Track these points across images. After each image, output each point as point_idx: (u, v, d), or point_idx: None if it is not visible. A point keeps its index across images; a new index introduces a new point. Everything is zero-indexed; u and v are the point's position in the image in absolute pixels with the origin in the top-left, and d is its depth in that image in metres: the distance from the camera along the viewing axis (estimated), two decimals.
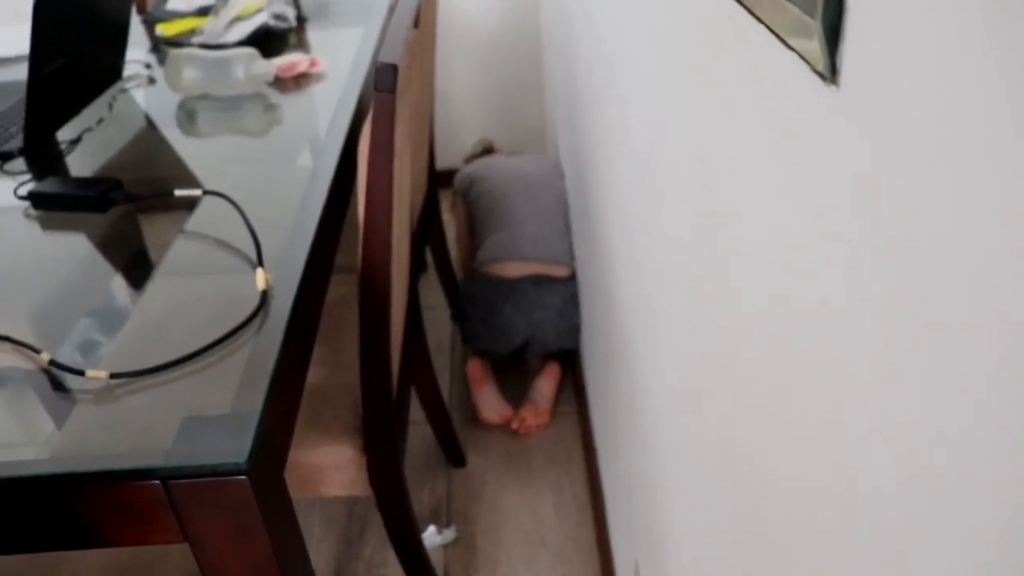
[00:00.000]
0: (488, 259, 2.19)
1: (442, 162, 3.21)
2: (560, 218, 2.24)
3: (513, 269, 2.16)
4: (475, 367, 2.21)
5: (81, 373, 0.88)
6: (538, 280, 2.12)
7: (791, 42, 0.46)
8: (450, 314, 2.44)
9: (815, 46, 0.42)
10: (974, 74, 0.30)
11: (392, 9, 2.08)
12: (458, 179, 2.44)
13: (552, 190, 2.27)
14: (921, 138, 0.34)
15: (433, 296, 2.58)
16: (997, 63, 0.29)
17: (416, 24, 1.42)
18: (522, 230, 2.19)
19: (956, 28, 0.31)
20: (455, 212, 2.45)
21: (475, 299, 2.17)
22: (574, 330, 2.16)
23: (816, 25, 0.41)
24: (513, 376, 2.27)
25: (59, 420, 0.85)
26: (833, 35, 0.40)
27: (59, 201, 1.21)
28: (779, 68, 0.49)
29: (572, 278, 2.18)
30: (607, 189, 1.44)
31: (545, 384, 2.19)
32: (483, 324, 2.15)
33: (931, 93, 0.33)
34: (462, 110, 3.17)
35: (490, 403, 2.15)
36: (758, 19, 0.51)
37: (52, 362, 0.90)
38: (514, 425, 2.12)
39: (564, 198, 2.27)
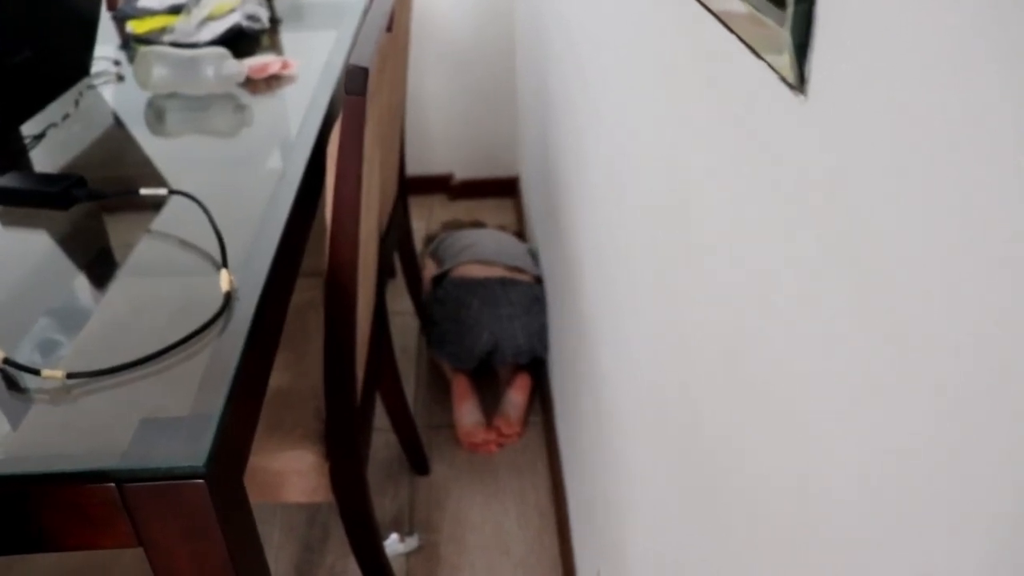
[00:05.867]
0: (452, 265, 2.28)
1: (412, 169, 3.21)
2: (522, 251, 2.39)
3: (478, 270, 2.23)
4: (461, 382, 2.20)
5: (37, 372, 0.86)
6: (504, 281, 2.19)
7: (760, 52, 0.46)
8: (419, 326, 2.45)
9: (784, 56, 0.42)
10: (941, 84, 0.30)
11: (366, 13, 2.07)
12: (428, 243, 2.65)
13: (517, 245, 2.44)
14: (887, 147, 0.34)
15: (400, 303, 2.57)
16: (964, 74, 0.29)
17: (389, 28, 1.41)
18: (485, 246, 2.35)
19: (925, 39, 0.31)
20: (424, 270, 2.48)
21: (443, 302, 2.20)
22: (542, 331, 2.18)
23: (785, 35, 0.41)
24: (490, 399, 2.26)
25: (14, 420, 0.83)
26: (802, 45, 0.40)
27: (20, 196, 1.19)
28: (748, 78, 0.49)
29: (537, 283, 2.24)
30: (577, 197, 1.45)
31: (516, 395, 2.19)
32: (451, 322, 2.17)
33: (898, 103, 0.33)
34: (434, 117, 3.16)
35: (470, 419, 2.14)
36: (729, 29, 0.51)
37: (7, 360, 0.88)
38: (492, 449, 2.11)
39: (528, 255, 2.41)
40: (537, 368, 2.28)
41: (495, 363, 2.22)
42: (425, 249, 2.59)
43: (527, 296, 2.18)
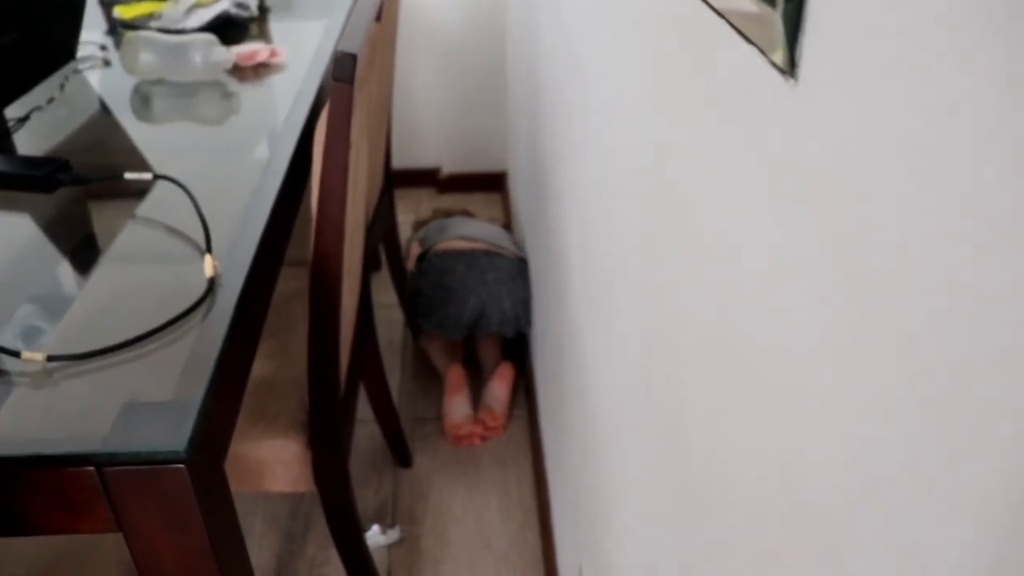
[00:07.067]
0: (435, 241, 2.31)
1: (400, 162, 3.20)
2: (506, 236, 2.41)
3: (462, 244, 2.27)
4: (456, 373, 2.20)
5: (17, 355, 0.85)
6: (488, 252, 2.23)
7: (751, 37, 0.46)
8: (404, 319, 2.45)
9: (775, 41, 0.42)
10: (933, 70, 0.30)
11: (355, 3, 2.06)
12: (416, 228, 2.65)
13: (502, 231, 2.46)
14: (879, 132, 0.34)
15: (385, 295, 2.56)
16: (954, 59, 0.29)
17: (379, 18, 1.41)
18: (469, 227, 2.38)
19: (916, 23, 0.31)
20: (409, 256, 2.48)
21: (427, 273, 2.22)
22: (526, 302, 2.19)
23: (776, 19, 0.41)
24: (475, 391, 2.25)
25: None
26: (793, 30, 0.40)
27: (3, 180, 1.18)
28: (739, 63, 0.49)
29: (520, 261, 2.27)
30: (565, 192, 1.44)
31: (499, 387, 2.18)
32: (436, 289, 2.18)
33: (890, 88, 0.33)
34: (422, 110, 3.15)
35: (460, 412, 2.13)
36: (718, 13, 0.51)
37: None
38: (476, 441, 2.11)
39: (511, 241, 2.43)
40: (520, 356, 2.28)
41: (480, 334, 2.22)
42: (414, 235, 2.58)
43: (511, 267, 2.22)
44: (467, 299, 2.15)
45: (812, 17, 0.38)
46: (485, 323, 2.17)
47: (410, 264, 2.42)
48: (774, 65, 0.42)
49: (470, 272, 2.18)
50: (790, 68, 0.40)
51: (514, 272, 2.21)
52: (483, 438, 2.12)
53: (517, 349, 2.33)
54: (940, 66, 0.30)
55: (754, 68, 0.46)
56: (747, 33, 0.46)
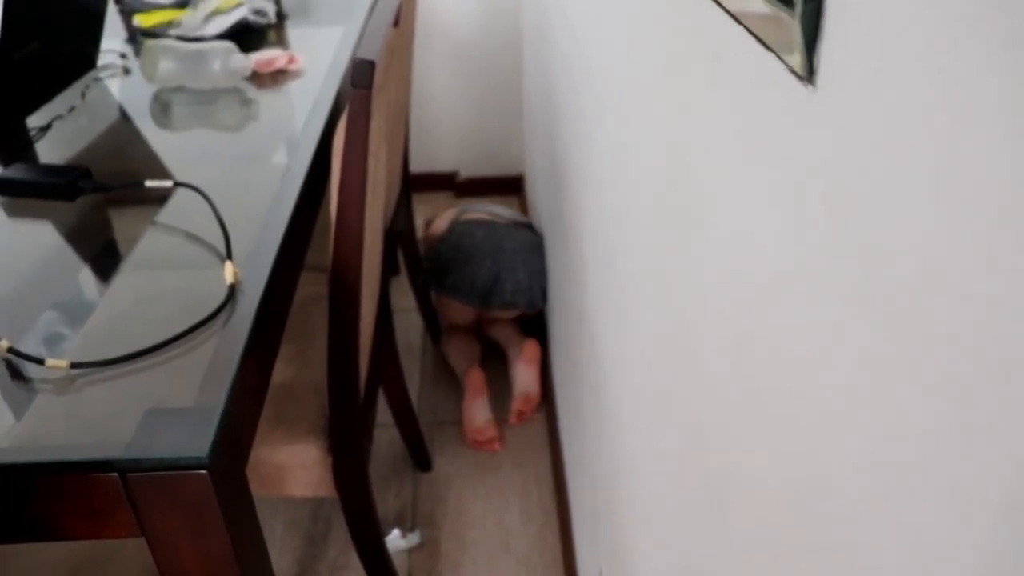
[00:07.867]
0: (460, 213, 2.36)
1: (417, 167, 3.21)
2: (525, 219, 2.44)
3: (484, 216, 2.32)
4: (476, 376, 2.19)
5: (41, 362, 0.86)
6: (508, 224, 2.28)
7: (769, 42, 0.46)
8: (423, 324, 2.45)
9: (793, 46, 0.42)
10: (951, 75, 0.30)
11: (373, 9, 2.07)
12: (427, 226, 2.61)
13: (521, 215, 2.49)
14: (897, 138, 0.34)
15: (404, 299, 2.57)
16: (971, 65, 0.29)
17: (396, 24, 1.42)
18: (491, 207, 2.42)
19: (934, 29, 0.31)
20: (432, 226, 2.47)
21: (445, 240, 2.26)
22: (542, 275, 2.21)
23: (795, 25, 0.41)
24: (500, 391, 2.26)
25: (18, 410, 0.83)
26: (812, 36, 0.40)
27: (26, 188, 1.19)
28: (756, 68, 0.49)
29: (539, 236, 2.32)
30: (582, 197, 1.44)
31: (528, 368, 2.19)
32: (453, 251, 2.21)
33: (907, 95, 0.33)
34: (439, 114, 3.16)
35: (481, 417, 2.13)
36: (736, 19, 0.51)
37: (11, 350, 0.88)
38: (496, 447, 2.11)
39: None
40: (541, 337, 2.29)
41: (493, 305, 2.21)
42: (424, 235, 2.57)
43: (530, 240, 2.26)
44: (483, 263, 2.17)
45: (830, 23, 0.38)
46: (499, 291, 2.17)
47: (437, 229, 2.41)
48: (792, 71, 0.42)
49: (488, 239, 2.21)
50: (808, 74, 0.40)
51: (532, 246, 2.24)
52: (521, 421, 2.15)
53: (535, 331, 2.33)
54: (963, 70, 0.30)
55: (771, 73, 0.46)
56: (764, 38, 0.46)
